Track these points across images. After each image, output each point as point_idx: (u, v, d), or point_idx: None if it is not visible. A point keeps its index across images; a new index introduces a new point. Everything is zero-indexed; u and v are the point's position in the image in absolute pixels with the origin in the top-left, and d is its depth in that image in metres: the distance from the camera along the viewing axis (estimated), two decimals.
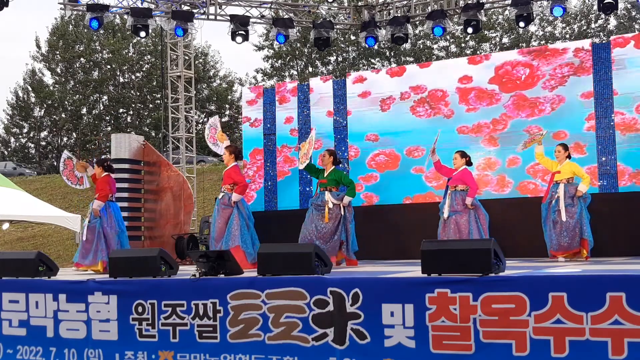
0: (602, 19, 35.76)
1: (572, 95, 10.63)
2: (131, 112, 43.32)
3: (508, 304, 4.60)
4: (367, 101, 12.02)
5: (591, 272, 4.94)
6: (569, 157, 8.94)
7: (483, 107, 11.18)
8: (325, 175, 9.34)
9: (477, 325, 4.68)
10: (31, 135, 45.09)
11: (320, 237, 8.98)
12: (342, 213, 9.14)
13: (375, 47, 18.29)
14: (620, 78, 10.29)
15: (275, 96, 13.02)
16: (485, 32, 35.07)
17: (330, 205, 9.04)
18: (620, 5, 17.24)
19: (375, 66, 37.01)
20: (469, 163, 9.18)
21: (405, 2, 14.71)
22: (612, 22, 35.91)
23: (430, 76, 11.61)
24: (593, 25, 36.54)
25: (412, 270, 6.19)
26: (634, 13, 34.78)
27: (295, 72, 39.97)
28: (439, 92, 11.56)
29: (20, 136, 45.41)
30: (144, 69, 42.07)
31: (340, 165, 9.72)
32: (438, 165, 9.34)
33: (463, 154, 9.15)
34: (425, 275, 4.98)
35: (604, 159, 10.67)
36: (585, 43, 10.83)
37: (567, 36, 36.33)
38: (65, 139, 44.98)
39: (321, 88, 12.58)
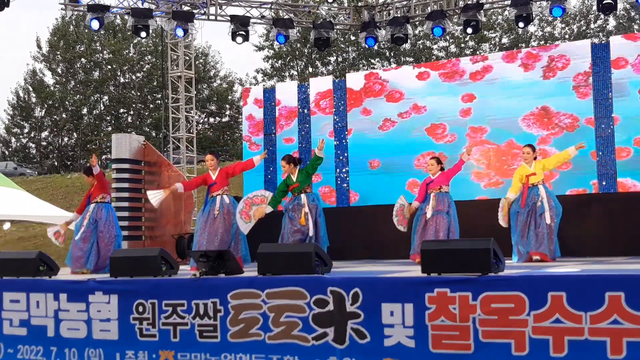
0: (601, 19, 35.77)
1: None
2: (132, 112, 43.34)
3: (507, 304, 4.61)
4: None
5: (590, 272, 4.95)
6: (535, 158, 8.81)
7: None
8: (295, 179, 9.08)
9: (476, 324, 4.69)
10: (32, 135, 45.10)
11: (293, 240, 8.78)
12: (317, 213, 8.97)
13: (375, 47, 18.29)
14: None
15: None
16: (485, 32, 35.08)
17: (307, 209, 8.84)
18: (620, 6, 17.26)
19: (375, 67, 37.00)
20: (443, 169, 9.38)
21: (405, 2, 14.72)
22: (612, 22, 35.94)
23: None
24: (592, 26, 36.54)
25: (412, 269, 6.20)
26: (633, 13, 34.78)
27: (295, 73, 39.98)
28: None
29: (21, 136, 45.41)
30: (145, 69, 42.10)
31: (301, 163, 9.34)
32: (420, 198, 9.46)
33: (438, 161, 9.39)
34: (425, 274, 5.00)
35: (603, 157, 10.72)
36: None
37: (567, 37, 36.33)
38: (66, 139, 45.01)
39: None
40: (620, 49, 10.68)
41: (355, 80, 12.81)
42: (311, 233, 8.75)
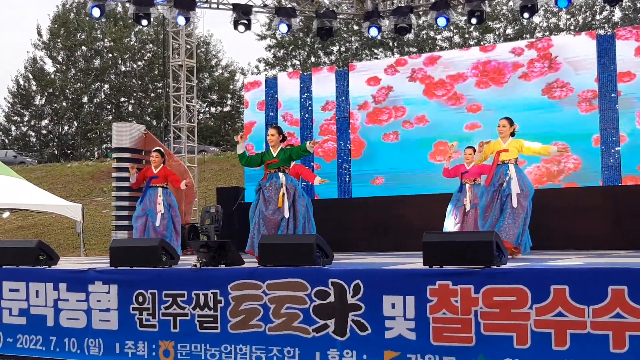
0: (607, 10, 35.62)
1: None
2: (132, 101, 43.30)
3: (509, 297, 4.58)
4: None
5: (593, 265, 4.91)
6: (513, 134, 8.01)
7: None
8: (275, 155, 8.33)
9: (478, 317, 4.66)
10: (32, 123, 45.10)
11: (267, 224, 8.05)
12: (295, 194, 8.22)
13: (379, 37, 18.22)
14: None
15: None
16: (489, 23, 34.96)
17: (284, 190, 8.10)
18: None
19: (378, 57, 36.90)
20: None
21: None
22: (617, 13, 35.80)
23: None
24: (598, 17, 36.40)
25: (414, 262, 6.17)
26: (639, 5, 34.63)
27: (297, 62, 39.88)
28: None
29: (21, 124, 45.41)
30: (146, 57, 42.02)
31: (286, 141, 8.69)
32: (446, 171, 9.35)
33: (474, 151, 8.84)
34: (427, 267, 4.97)
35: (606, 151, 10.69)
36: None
37: (572, 27, 36.21)
38: (66, 127, 44.99)
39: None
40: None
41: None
42: (287, 215, 8.05)
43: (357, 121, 12.83)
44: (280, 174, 8.16)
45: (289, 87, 13.51)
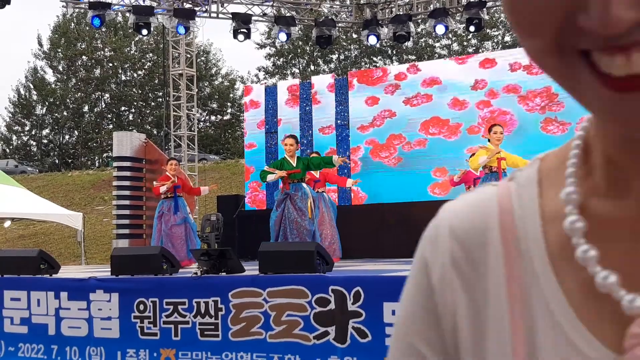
0: None
1: None
2: (133, 110, 43.36)
3: None
4: None
5: None
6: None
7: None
8: (295, 165, 8.47)
9: None
10: (33, 133, 45.13)
11: (300, 232, 8.27)
12: (321, 202, 8.56)
13: (378, 45, 18.27)
14: None
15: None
16: (488, 30, 35.05)
17: (311, 200, 8.31)
18: None
19: (378, 64, 36.99)
20: None
21: (407, 0, 14.70)
22: None
23: None
24: None
25: None
26: None
27: (297, 70, 39.97)
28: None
29: (22, 134, 45.44)
30: (146, 66, 42.11)
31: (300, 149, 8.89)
32: (453, 182, 9.32)
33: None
34: None
35: None
36: None
37: None
38: (67, 136, 45.03)
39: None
40: None
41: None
42: (315, 224, 8.38)
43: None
44: (304, 185, 8.39)
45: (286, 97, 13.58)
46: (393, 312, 4.93)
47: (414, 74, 12.66)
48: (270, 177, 8.60)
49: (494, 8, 23.79)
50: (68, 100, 42.61)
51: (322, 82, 13.50)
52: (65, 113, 42.98)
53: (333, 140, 12.97)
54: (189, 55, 16.35)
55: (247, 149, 13.91)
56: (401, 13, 14.24)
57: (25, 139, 45.70)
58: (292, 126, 13.31)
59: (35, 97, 43.83)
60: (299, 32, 15.45)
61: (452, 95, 12.13)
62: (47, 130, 45.20)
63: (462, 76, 12.12)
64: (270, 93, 13.79)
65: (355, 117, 12.82)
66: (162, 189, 9.73)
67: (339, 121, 13.06)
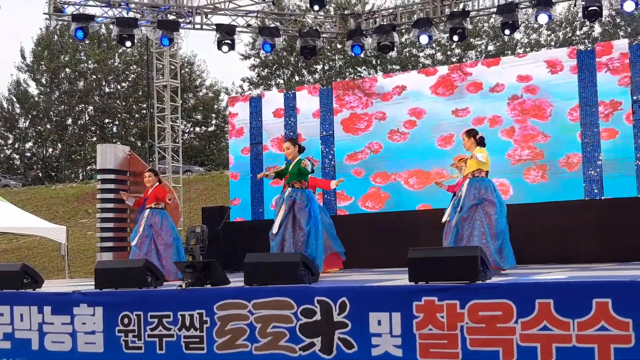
0: (587, 26, 35.99)
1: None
2: (117, 122, 43.16)
3: (495, 311, 4.59)
4: None
5: (577, 279, 4.94)
6: (480, 144, 7.81)
7: None
8: (290, 168, 8.47)
9: (464, 333, 4.67)
10: (16, 146, 44.82)
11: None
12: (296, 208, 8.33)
13: (362, 55, 18.32)
14: None
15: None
16: (471, 39, 35.22)
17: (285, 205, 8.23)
18: (605, 12, 17.30)
19: (362, 74, 37.08)
20: None
21: (391, 10, 14.75)
22: (597, 29, 36.16)
23: None
24: (578, 33, 36.76)
25: (399, 278, 6.18)
26: (618, 20, 35.02)
27: (281, 81, 39.98)
28: None
29: (4, 147, 45.11)
30: (130, 78, 41.94)
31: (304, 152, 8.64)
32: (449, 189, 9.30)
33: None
34: (412, 283, 4.97)
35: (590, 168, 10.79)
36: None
37: (553, 43, 36.55)
38: (50, 149, 44.75)
39: None
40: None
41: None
42: (274, 230, 8.28)
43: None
44: (289, 189, 8.30)
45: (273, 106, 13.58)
46: (379, 322, 4.93)
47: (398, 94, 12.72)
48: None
49: (477, 17, 23.95)
50: (51, 113, 42.38)
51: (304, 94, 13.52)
52: (48, 126, 42.73)
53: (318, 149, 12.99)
54: (173, 67, 16.32)
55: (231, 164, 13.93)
56: (385, 23, 14.28)
57: (8, 152, 45.38)
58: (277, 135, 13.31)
59: (18, 110, 43.56)
60: (283, 42, 15.45)
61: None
62: (30, 144, 44.93)
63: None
64: (255, 104, 13.79)
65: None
66: (129, 202, 9.70)
67: (323, 132, 13.08)
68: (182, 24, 14.18)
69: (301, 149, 8.58)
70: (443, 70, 12.69)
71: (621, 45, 11.21)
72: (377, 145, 12.53)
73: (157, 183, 9.63)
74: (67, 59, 41.55)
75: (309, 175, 8.79)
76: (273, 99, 13.78)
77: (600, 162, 10.85)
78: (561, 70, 11.29)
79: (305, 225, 8.22)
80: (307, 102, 13.25)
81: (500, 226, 7.54)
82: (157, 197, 9.48)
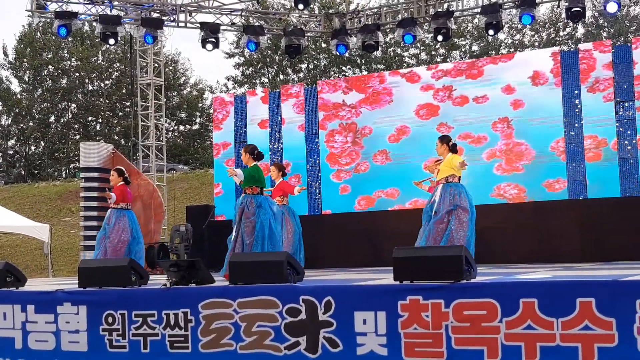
0: (570, 27, 36.20)
1: None
2: (100, 120, 42.88)
3: (479, 311, 4.61)
4: None
5: (561, 278, 4.97)
6: (452, 150, 7.98)
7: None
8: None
9: (449, 331, 4.68)
10: None
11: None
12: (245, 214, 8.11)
13: (347, 54, 18.34)
14: None
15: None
16: (455, 40, 35.33)
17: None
18: (588, 14, 17.37)
19: (347, 74, 37.10)
20: None
21: (375, 10, 14.80)
22: (580, 30, 36.39)
23: None
24: (561, 33, 36.97)
25: (384, 277, 6.19)
26: (601, 21, 35.25)
27: (266, 80, 39.92)
28: None
29: None
30: (113, 76, 41.68)
31: (259, 161, 8.32)
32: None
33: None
34: (397, 282, 4.98)
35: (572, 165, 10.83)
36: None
37: (536, 44, 36.74)
38: (33, 147, 44.41)
39: None
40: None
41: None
42: (233, 234, 8.09)
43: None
44: (242, 195, 8.20)
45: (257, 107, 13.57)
46: (364, 321, 4.93)
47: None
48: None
49: (462, 18, 24.07)
50: (34, 110, 42.05)
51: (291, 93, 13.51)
52: (31, 124, 42.40)
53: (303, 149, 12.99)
54: (157, 65, 16.26)
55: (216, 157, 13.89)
56: (370, 23, 14.31)
57: None
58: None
59: (0, 108, 43.21)
60: (268, 41, 15.44)
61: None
62: (12, 141, 44.54)
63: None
64: (239, 102, 13.76)
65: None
66: (112, 200, 9.63)
67: (307, 129, 13.08)
68: (166, 22, 14.14)
69: (258, 156, 8.28)
70: None
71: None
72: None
73: (120, 183, 9.63)
74: (50, 56, 41.22)
75: (281, 180, 9.49)
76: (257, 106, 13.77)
77: (583, 160, 10.92)
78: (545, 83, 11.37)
79: (247, 237, 8.01)
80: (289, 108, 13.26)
81: (470, 232, 7.77)
82: (118, 197, 9.58)
